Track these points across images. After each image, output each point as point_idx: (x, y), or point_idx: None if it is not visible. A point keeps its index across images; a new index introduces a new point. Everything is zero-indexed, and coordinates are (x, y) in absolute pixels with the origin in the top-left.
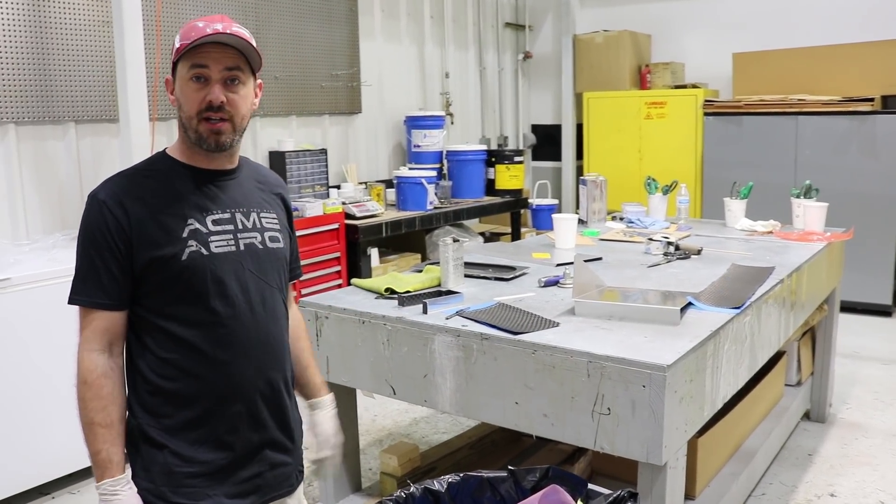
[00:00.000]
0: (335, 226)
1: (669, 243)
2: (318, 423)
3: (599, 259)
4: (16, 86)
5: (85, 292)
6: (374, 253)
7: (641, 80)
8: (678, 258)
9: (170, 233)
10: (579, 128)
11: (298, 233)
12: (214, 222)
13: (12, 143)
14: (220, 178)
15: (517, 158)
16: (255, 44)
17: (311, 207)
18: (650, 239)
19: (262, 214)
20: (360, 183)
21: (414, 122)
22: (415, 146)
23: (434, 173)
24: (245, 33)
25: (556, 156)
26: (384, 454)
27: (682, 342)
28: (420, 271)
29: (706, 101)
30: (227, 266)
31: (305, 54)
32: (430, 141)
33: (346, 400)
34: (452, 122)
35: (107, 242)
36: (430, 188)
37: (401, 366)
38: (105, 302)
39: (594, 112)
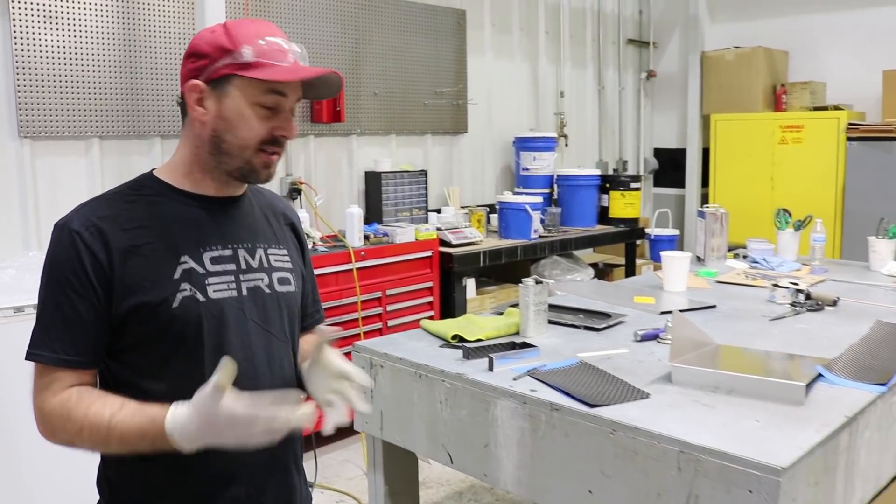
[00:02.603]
0: (428, 253)
1: (798, 290)
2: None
3: (712, 307)
4: (102, 100)
5: (47, 346)
6: (470, 283)
7: (776, 101)
8: (808, 309)
9: (159, 273)
10: (705, 152)
11: (388, 260)
12: (213, 260)
13: (96, 157)
14: (223, 206)
15: (634, 185)
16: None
17: (401, 233)
18: (775, 285)
19: (270, 251)
20: (463, 207)
21: (523, 144)
22: (523, 169)
23: (541, 199)
24: (339, 73)
25: (679, 182)
26: None
27: (806, 432)
28: (501, 313)
29: (850, 124)
30: (226, 315)
31: (408, 70)
32: (540, 164)
33: (404, 462)
34: (567, 145)
35: (81, 284)
36: (536, 215)
37: (459, 431)
38: (73, 359)
39: (722, 135)
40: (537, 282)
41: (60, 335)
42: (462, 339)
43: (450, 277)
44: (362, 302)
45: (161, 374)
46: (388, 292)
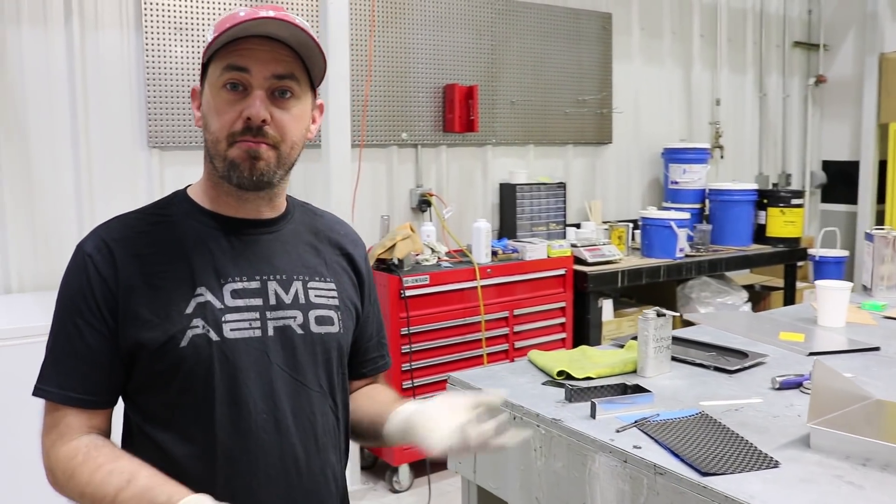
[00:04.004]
0: (561, 271)
1: None
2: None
3: (875, 349)
4: None
5: (55, 381)
6: (607, 305)
7: None
8: None
9: (170, 307)
10: (882, 165)
11: (516, 278)
12: (235, 294)
13: None
14: (254, 230)
15: (795, 201)
16: (318, 41)
17: (532, 250)
18: None
19: (310, 285)
20: (605, 222)
21: (672, 155)
22: (672, 182)
23: (689, 215)
24: (306, 25)
25: (851, 198)
26: None
27: None
28: (622, 346)
29: None
30: (245, 358)
31: (547, 77)
32: (691, 177)
33: None
34: (722, 157)
35: (91, 313)
36: (682, 232)
37: (554, 484)
38: (82, 397)
39: None
40: (659, 314)
41: (69, 369)
42: (569, 377)
43: (584, 298)
44: (487, 322)
45: (168, 423)
46: (517, 312)
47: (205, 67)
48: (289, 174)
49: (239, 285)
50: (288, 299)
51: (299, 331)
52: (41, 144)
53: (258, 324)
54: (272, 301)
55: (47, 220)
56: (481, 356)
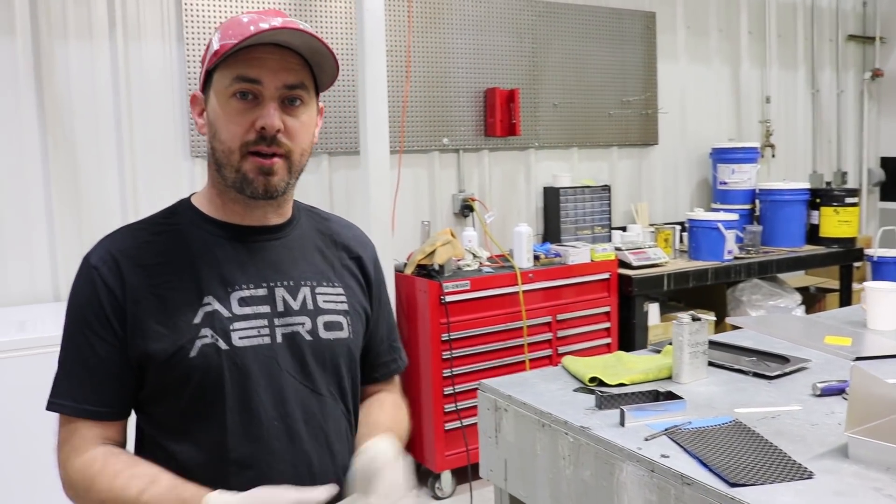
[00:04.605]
0: (605, 275)
1: None
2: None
3: None
4: None
5: (69, 394)
6: (653, 308)
7: None
8: None
9: (177, 317)
10: None
11: (559, 282)
12: (242, 302)
13: None
14: (260, 236)
15: (849, 199)
16: (330, 47)
17: (575, 254)
18: None
19: (318, 290)
20: (651, 225)
21: (721, 155)
22: (721, 183)
23: (737, 216)
24: (316, 32)
25: None
26: None
27: None
28: (659, 351)
29: None
30: (254, 366)
31: (590, 79)
32: (740, 177)
33: None
34: (773, 155)
35: (100, 324)
36: (730, 234)
37: (582, 493)
38: (96, 409)
39: None
40: (694, 318)
41: (82, 382)
42: (602, 383)
43: (629, 302)
44: (529, 327)
45: (180, 432)
46: (559, 317)
47: (207, 75)
48: (297, 180)
49: (246, 293)
50: (296, 305)
51: (308, 337)
52: (88, 155)
53: (266, 331)
54: (280, 308)
55: (94, 228)
56: (523, 362)
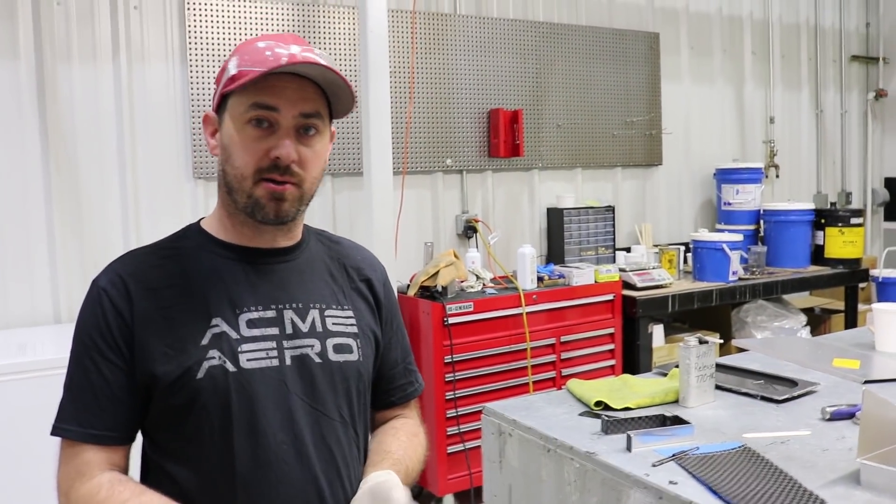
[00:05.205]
0: (609, 297)
1: None
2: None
3: None
4: None
5: (74, 419)
6: (657, 330)
7: None
8: None
9: (185, 338)
10: None
11: (562, 304)
12: (251, 324)
13: None
14: (269, 259)
15: (854, 220)
16: (347, 80)
17: (579, 275)
18: None
19: (327, 312)
20: (655, 245)
21: (725, 176)
22: (725, 204)
23: (742, 237)
24: (335, 65)
25: None
26: None
27: None
28: (665, 374)
29: None
30: (262, 388)
31: (594, 99)
32: (744, 198)
33: None
34: (777, 176)
35: (108, 347)
36: (735, 255)
37: None
38: (102, 433)
39: None
40: (701, 341)
41: (87, 406)
42: (607, 407)
43: (634, 324)
44: (533, 349)
45: (186, 457)
46: (564, 339)
47: (222, 98)
48: (307, 206)
49: (255, 315)
50: (305, 328)
51: (317, 359)
52: (90, 176)
53: (275, 353)
54: (288, 330)
55: (96, 251)
56: (527, 384)
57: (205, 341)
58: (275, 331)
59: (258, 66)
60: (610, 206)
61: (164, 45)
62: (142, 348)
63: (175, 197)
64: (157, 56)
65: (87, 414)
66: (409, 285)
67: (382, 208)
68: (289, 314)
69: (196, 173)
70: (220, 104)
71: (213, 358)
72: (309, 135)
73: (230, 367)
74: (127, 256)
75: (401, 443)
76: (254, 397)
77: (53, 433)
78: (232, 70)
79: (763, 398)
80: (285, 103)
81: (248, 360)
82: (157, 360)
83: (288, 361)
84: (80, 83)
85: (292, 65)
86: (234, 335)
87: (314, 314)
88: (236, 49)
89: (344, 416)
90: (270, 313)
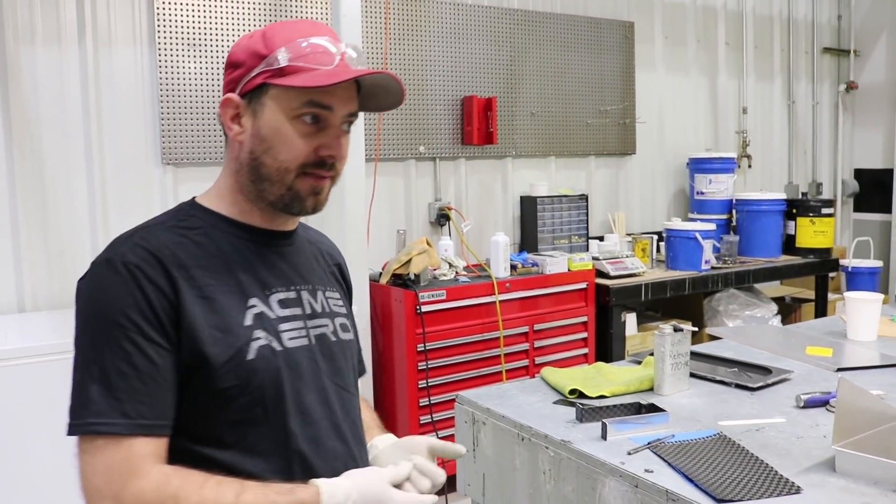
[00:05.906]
0: (582, 285)
1: None
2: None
3: None
4: None
5: (117, 410)
6: (630, 318)
7: None
8: None
9: (227, 319)
10: None
11: (536, 292)
12: (281, 304)
13: None
14: (279, 241)
15: (825, 210)
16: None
17: (552, 263)
18: None
19: (327, 294)
20: (628, 235)
21: (698, 165)
22: (698, 193)
23: (714, 226)
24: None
25: (885, 207)
26: None
27: None
28: (640, 362)
29: None
30: (303, 368)
31: (568, 88)
32: (717, 187)
33: None
34: (750, 166)
35: (151, 326)
36: (708, 244)
37: None
38: (155, 423)
39: None
40: (676, 329)
41: (134, 394)
42: (582, 395)
43: (607, 312)
44: (506, 337)
45: (233, 441)
46: (537, 327)
47: (257, 84)
48: None
49: (282, 295)
50: (319, 308)
51: (333, 338)
52: (55, 162)
53: (304, 332)
54: (307, 310)
55: (62, 238)
56: (500, 373)
57: (248, 322)
58: (299, 311)
59: (317, 64)
60: (583, 195)
61: (132, 29)
62: (190, 328)
63: (143, 183)
64: (125, 39)
65: (135, 402)
66: (381, 273)
67: (355, 195)
68: (305, 295)
69: (165, 159)
70: (252, 90)
71: (260, 338)
72: (346, 131)
73: (276, 346)
74: (143, 231)
75: (374, 415)
76: (299, 376)
77: (85, 431)
78: (282, 61)
79: (738, 386)
80: (338, 102)
81: (289, 339)
82: (204, 341)
83: (313, 340)
84: (44, 67)
85: (368, 74)
86: (271, 315)
87: (321, 295)
88: (274, 33)
89: (354, 390)
90: (293, 294)
